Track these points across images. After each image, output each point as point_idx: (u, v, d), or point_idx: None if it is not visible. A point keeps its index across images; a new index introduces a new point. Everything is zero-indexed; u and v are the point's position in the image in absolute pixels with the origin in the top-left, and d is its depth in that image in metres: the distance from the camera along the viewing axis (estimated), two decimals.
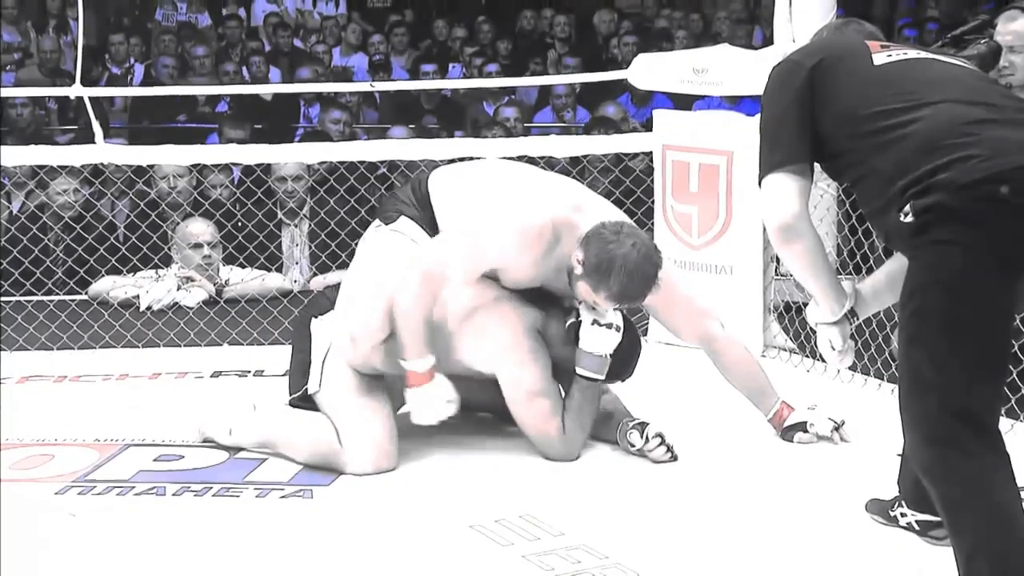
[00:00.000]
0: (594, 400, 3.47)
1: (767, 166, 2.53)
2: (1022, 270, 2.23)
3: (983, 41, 2.98)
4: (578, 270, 3.33)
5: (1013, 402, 3.63)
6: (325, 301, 3.59)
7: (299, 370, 3.51)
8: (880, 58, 2.48)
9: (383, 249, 3.62)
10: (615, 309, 3.40)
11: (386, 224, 3.67)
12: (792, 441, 3.53)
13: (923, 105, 2.33)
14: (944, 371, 2.22)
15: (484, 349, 3.42)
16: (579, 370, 3.43)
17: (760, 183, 2.55)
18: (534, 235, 3.37)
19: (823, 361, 3.08)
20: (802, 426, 3.55)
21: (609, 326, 3.39)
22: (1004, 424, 3.54)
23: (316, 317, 3.54)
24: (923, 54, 2.51)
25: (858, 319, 2.74)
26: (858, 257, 4.23)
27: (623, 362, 3.47)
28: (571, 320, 3.43)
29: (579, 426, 3.44)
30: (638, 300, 3.39)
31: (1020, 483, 2.68)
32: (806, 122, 2.49)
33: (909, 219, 2.25)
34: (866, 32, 2.73)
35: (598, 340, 3.39)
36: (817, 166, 2.60)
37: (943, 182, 2.21)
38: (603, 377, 3.44)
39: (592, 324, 3.38)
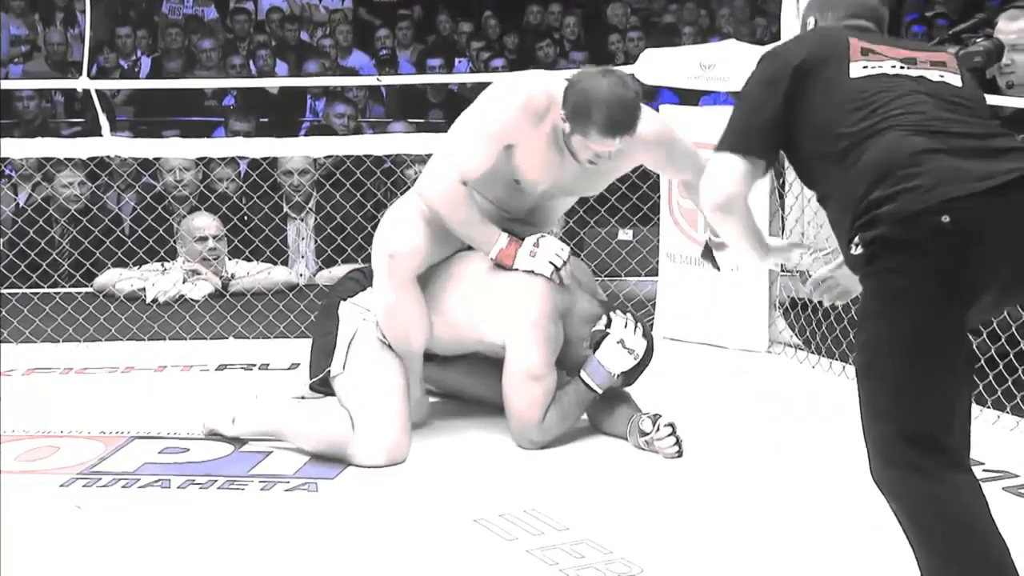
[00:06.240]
0: (583, 404, 3.48)
1: (727, 144, 2.50)
2: (966, 297, 2.22)
3: (986, 38, 2.95)
4: (565, 127, 3.31)
5: (1020, 399, 3.63)
6: (353, 284, 3.58)
7: (322, 352, 3.49)
8: (856, 68, 2.45)
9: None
10: (614, 148, 3.28)
11: None
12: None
13: (877, 133, 2.32)
14: (895, 398, 2.22)
15: (504, 314, 3.40)
16: (583, 375, 3.44)
17: (714, 153, 2.53)
18: (525, 98, 3.35)
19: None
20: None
21: (631, 352, 3.41)
22: (1010, 421, 3.56)
23: (344, 300, 3.53)
24: (898, 70, 2.47)
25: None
26: None
27: (623, 379, 3.49)
28: (600, 326, 3.44)
29: (559, 422, 3.45)
30: (629, 129, 3.26)
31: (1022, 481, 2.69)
32: (779, 121, 2.48)
33: (859, 251, 2.26)
34: (859, 26, 2.65)
35: (615, 358, 3.41)
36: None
37: (886, 214, 2.22)
38: (601, 392, 3.45)
39: (617, 342, 3.39)
